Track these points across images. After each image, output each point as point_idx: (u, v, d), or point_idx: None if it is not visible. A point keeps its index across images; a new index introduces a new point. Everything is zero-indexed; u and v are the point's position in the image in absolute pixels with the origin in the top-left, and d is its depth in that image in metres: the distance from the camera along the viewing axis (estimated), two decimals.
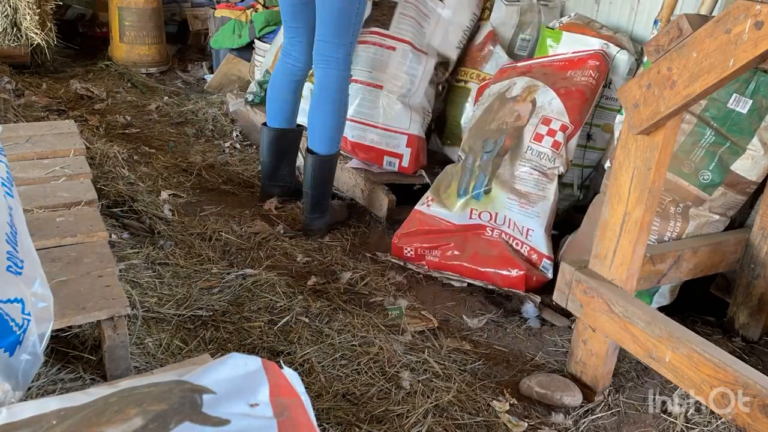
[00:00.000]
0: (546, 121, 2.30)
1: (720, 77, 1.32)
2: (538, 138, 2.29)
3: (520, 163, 2.28)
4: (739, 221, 2.13)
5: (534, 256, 2.22)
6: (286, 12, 2.54)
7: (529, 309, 2.12)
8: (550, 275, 2.20)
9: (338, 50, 2.36)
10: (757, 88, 1.89)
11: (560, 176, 2.29)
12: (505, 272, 2.18)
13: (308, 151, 2.47)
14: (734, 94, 1.91)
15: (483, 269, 2.22)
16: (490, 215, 2.28)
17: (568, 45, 2.52)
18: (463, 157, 2.43)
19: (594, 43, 2.47)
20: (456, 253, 2.27)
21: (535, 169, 2.27)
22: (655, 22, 2.39)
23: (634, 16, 2.73)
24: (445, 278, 2.27)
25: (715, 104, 1.93)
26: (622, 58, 2.46)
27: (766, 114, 1.90)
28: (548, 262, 2.21)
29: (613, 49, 2.47)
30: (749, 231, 2.02)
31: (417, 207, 2.39)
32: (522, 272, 2.15)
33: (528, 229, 2.23)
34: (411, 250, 2.33)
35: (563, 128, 2.28)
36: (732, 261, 2.03)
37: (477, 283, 2.23)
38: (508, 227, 2.26)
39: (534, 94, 2.37)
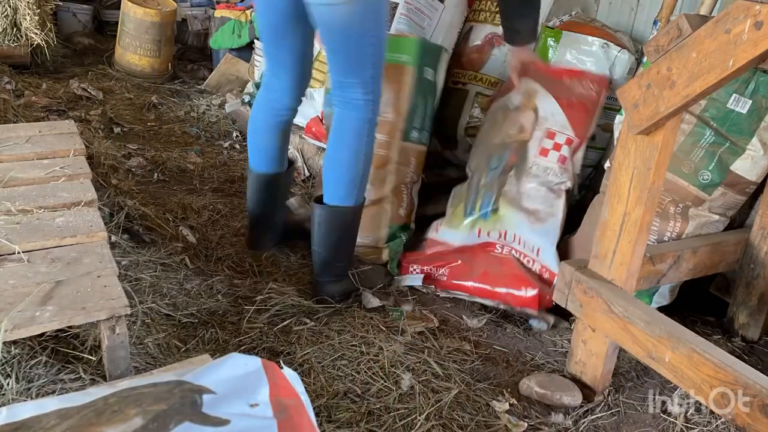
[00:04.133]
0: (550, 135, 2.25)
1: (720, 77, 1.32)
2: (544, 153, 2.24)
3: (526, 179, 2.23)
4: (739, 221, 2.13)
5: (546, 275, 2.15)
6: (265, 33, 1.98)
7: (534, 322, 2.09)
8: None
9: (355, 90, 1.87)
10: (756, 88, 1.89)
11: (568, 191, 2.23)
12: (518, 292, 2.09)
13: (316, 201, 2.01)
14: (734, 95, 1.91)
15: (495, 289, 2.13)
16: (500, 234, 2.22)
17: (568, 44, 2.52)
18: (469, 176, 2.37)
19: (594, 43, 2.47)
20: (465, 271, 2.17)
21: (543, 185, 2.21)
22: (655, 22, 2.39)
23: (633, 16, 2.74)
24: (455, 297, 2.18)
25: (714, 104, 1.93)
26: (623, 58, 2.46)
27: (765, 114, 1.90)
28: None
29: (613, 49, 2.46)
30: (749, 231, 2.02)
31: (427, 235, 2.33)
32: (536, 291, 2.06)
33: (538, 248, 2.16)
34: (417, 267, 2.23)
35: (568, 142, 2.23)
36: (732, 261, 2.03)
37: (489, 303, 2.14)
38: (518, 244, 2.20)
39: (534, 100, 2.31)
